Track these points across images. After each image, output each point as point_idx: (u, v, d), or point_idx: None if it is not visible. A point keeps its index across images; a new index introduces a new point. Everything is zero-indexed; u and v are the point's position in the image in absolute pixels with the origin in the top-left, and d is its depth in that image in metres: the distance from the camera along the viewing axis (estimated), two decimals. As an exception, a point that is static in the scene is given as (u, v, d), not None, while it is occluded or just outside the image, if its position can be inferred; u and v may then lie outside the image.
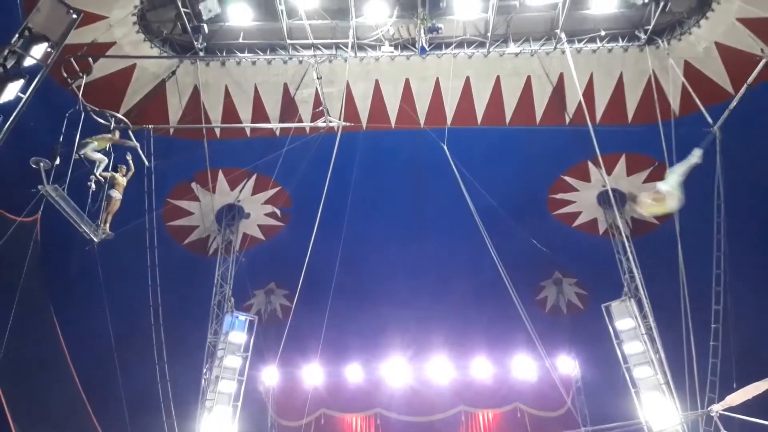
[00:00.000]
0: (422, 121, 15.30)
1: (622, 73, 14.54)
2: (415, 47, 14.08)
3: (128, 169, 12.02)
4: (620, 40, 14.17)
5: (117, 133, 11.80)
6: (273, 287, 19.14)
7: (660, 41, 13.80)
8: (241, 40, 14.32)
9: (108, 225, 11.49)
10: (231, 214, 17.20)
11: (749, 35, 12.53)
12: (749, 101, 12.19)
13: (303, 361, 18.99)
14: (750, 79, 11.95)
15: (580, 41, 14.09)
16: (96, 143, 11.28)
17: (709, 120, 12.23)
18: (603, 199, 16.53)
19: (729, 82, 13.45)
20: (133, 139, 12.27)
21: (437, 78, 14.79)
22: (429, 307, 18.61)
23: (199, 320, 15.94)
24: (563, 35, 13.69)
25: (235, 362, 15.20)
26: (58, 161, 10.32)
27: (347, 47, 13.98)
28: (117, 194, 11.63)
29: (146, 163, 12.84)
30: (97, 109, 12.30)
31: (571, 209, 17.27)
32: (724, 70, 13.47)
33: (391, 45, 14.14)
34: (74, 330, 14.89)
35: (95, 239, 11.35)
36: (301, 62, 14.33)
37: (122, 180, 11.78)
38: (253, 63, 14.40)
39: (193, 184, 16.30)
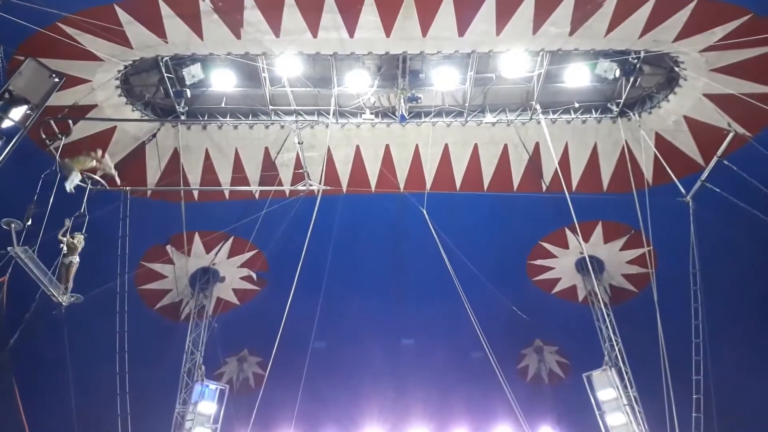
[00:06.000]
0: (402, 186, 15.43)
1: (596, 143, 14.93)
2: (395, 115, 14.38)
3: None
4: (593, 111, 14.65)
5: (99, 152, 11.51)
6: (246, 354, 18.49)
7: (632, 114, 14.30)
8: (223, 105, 14.51)
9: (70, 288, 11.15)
10: (205, 277, 16.84)
11: (716, 110, 13.01)
12: (719, 172, 12.58)
13: (276, 433, 18.13)
14: (719, 152, 12.37)
15: (554, 112, 14.55)
16: (77, 170, 11.03)
17: (682, 190, 12.54)
18: (581, 266, 16.57)
19: (699, 154, 13.86)
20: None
21: (416, 144, 15.04)
22: (408, 375, 18.11)
23: (167, 388, 15.26)
24: (538, 106, 14.16)
25: (204, 434, 14.52)
26: (30, 222, 10.15)
27: (329, 114, 14.22)
28: (76, 259, 11.28)
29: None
30: (74, 170, 12.20)
31: (550, 275, 17.25)
32: (693, 143, 13.89)
33: (371, 113, 14.46)
34: (35, 397, 14.17)
35: (63, 303, 11.06)
36: (282, 127, 14.48)
37: (78, 245, 11.35)
38: (235, 127, 14.52)
39: (168, 247, 15.98)
